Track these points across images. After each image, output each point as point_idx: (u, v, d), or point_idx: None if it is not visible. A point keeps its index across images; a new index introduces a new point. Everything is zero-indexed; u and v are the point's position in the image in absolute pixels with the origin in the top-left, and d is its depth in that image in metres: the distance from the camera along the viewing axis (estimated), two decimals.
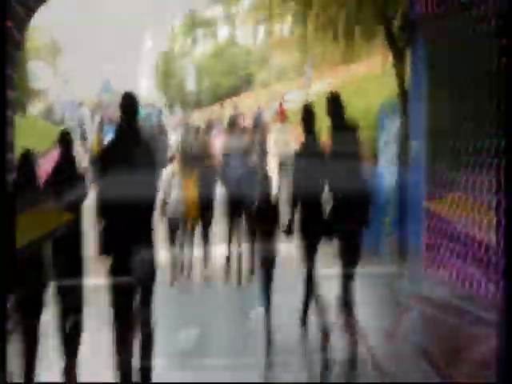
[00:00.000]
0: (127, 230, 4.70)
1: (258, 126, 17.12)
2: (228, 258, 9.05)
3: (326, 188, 6.29)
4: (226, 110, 26.32)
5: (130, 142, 4.90)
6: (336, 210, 6.24)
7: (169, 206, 8.71)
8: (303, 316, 6.54)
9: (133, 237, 4.73)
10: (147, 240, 4.87)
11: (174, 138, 16.68)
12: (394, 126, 9.62)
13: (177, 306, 7.65)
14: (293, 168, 6.60)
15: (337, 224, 6.20)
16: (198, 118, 28.31)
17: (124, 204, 4.50)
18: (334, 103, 6.31)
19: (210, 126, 11.41)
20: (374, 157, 9.89)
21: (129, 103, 5.00)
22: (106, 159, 4.97)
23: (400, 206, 9.09)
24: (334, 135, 6.29)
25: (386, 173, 9.59)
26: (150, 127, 16.95)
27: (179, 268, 8.95)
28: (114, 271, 4.72)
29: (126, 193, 4.50)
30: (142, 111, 18.31)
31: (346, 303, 6.06)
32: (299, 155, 6.56)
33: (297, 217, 6.47)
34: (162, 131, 17.33)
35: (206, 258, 9.09)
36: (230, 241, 9.07)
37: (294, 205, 6.40)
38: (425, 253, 8.29)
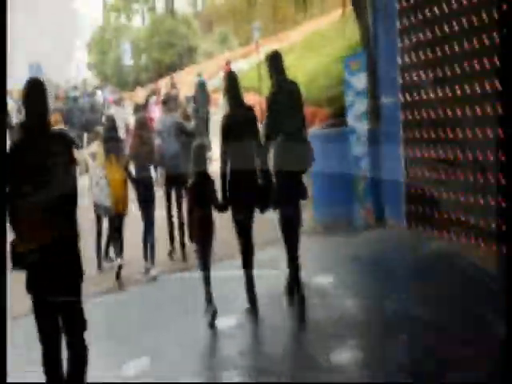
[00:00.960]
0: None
1: (201, 96, 16.14)
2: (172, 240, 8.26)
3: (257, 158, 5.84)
4: (163, 87, 25.04)
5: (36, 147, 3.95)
6: (268, 180, 5.87)
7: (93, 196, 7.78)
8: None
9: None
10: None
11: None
12: (360, 81, 8.49)
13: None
14: (221, 140, 5.90)
15: (271, 195, 5.85)
16: (136, 96, 26.75)
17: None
18: (274, 61, 5.99)
19: (145, 105, 10.54)
20: (342, 116, 8.75)
21: (33, 94, 4.05)
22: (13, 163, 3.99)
23: (374, 172, 7.96)
24: (274, 96, 5.92)
25: (354, 134, 8.47)
26: (80, 110, 16.09)
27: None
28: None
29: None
30: (71, 94, 17.15)
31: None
32: (226, 125, 5.87)
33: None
34: (96, 111, 16.42)
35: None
36: (171, 222, 8.25)
37: (223, 177, 5.80)
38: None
